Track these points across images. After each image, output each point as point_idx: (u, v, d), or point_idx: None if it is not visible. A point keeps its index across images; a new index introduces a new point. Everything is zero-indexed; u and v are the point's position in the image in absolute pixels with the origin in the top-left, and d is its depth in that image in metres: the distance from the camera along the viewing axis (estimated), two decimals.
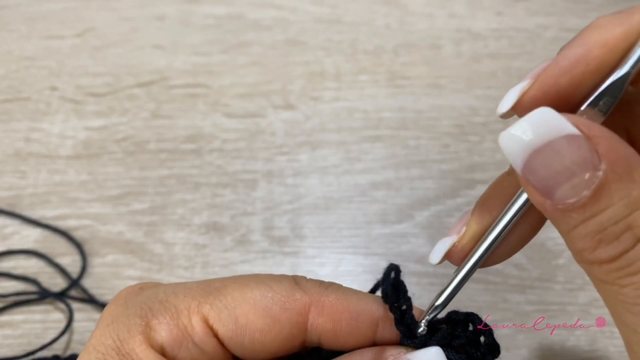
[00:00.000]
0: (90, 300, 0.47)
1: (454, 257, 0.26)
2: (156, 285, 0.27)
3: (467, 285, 0.49)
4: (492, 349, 0.26)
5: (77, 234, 0.51)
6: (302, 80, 0.61)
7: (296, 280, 0.26)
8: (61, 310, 0.47)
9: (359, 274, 0.49)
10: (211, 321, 0.25)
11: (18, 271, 0.49)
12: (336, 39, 0.65)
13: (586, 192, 0.19)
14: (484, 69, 0.62)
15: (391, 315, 0.25)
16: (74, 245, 0.50)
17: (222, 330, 0.25)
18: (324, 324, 0.26)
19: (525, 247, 0.43)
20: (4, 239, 0.51)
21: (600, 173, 0.18)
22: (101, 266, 0.49)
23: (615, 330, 0.46)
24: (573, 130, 0.19)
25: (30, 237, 0.51)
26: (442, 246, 0.26)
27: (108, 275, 0.49)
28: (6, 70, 0.63)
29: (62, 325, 0.46)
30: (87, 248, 0.50)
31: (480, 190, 0.38)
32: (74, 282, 0.48)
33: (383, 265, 0.27)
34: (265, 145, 0.56)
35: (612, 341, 0.45)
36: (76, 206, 0.52)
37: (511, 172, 0.26)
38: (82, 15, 0.68)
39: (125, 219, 0.52)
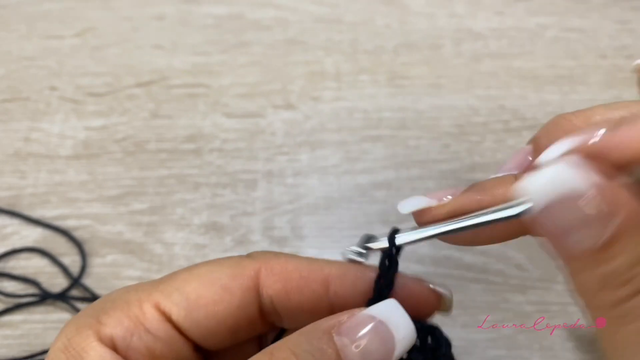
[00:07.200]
0: (93, 299, 0.47)
1: (422, 220, 0.26)
2: (110, 292, 0.27)
3: (468, 285, 0.49)
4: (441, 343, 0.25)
5: (77, 234, 0.51)
6: (302, 80, 0.61)
7: (248, 254, 0.26)
8: (61, 311, 0.47)
9: None
10: (162, 305, 0.25)
11: (18, 271, 0.49)
12: (336, 39, 0.65)
13: (597, 242, 0.20)
14: (485, 69, 0.62)
15: (342, 274, 0.25)
16: (73, 246, 0.50)
17: (175, 310, 0.25)
18: (274, 284, 0.25)
19: (526, 247, 0.43)
20: (4, 239, 0.51)
21: (613, 225, 0.20)
22: (101, 266, 0.49)
23: None
24: (592, 183, 0.20)
25: (29, 237, 0.51)
26: (416, 202, 0.26)
27: (108, 276, 0.49)
28: (6, 70, 0.63)
29: (63, 325, 0.46)
30: (86, 248, 0.50)
31: None
32: (75, 282, 0.48)
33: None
34: (265, 145, 0.56)
35: None
36: (76, 206, 0.52)
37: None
38: (81, 15, 0.68)
39: (125, 219, 0.52)
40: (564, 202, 0.20)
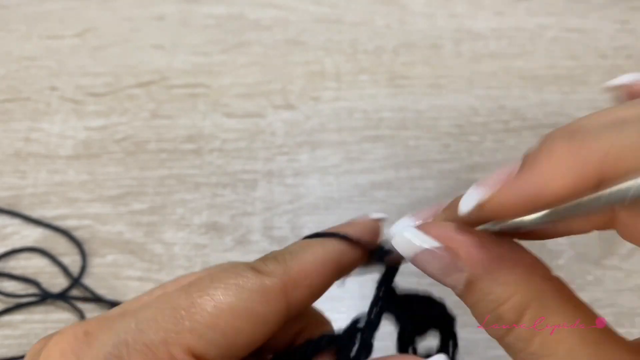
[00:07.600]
0: (94, 299, 0.47)
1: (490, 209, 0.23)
2: (102, 325, 0.23)
3: None
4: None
5: (77, 234, 0.51)
6: (302, 80, 0.61)
7: (256, 269, 0.25)
8: (61, 311, 0.47)
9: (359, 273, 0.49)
10: (198, 349, 0.22)
11: (18, 271, 0.49)
12: (336, 39, 0.65)
13: (460, 288, 0.23)
14: (484, 69, 0.62)
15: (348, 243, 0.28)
16: (73, 246, 0.50)
17: (214, 352, 0.23)
18: (302, 292, 0.25)
19: (525, 247, 0.42)
20: (4, 239, 0.51)
21: (464, 274, 0.22)
22: (101, 266, 0.49)
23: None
24: (435, 244, 0.23)
25: (30, 237, 0.51)
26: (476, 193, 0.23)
27: (108, 276, 0.49)
28: (6, 70, 0.63)
29: (63, 325, 0.46)
30: (86, 248, 0.50)
31: None
32: (75, 282, 0.48)
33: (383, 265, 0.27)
34: (265, 145, 0.56)
35: None
36: (76, 206, 0.52)
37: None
38: (82, 15, 0.68)
39: (125, 219, 0.52)
40: (418, 258, 0.23)
